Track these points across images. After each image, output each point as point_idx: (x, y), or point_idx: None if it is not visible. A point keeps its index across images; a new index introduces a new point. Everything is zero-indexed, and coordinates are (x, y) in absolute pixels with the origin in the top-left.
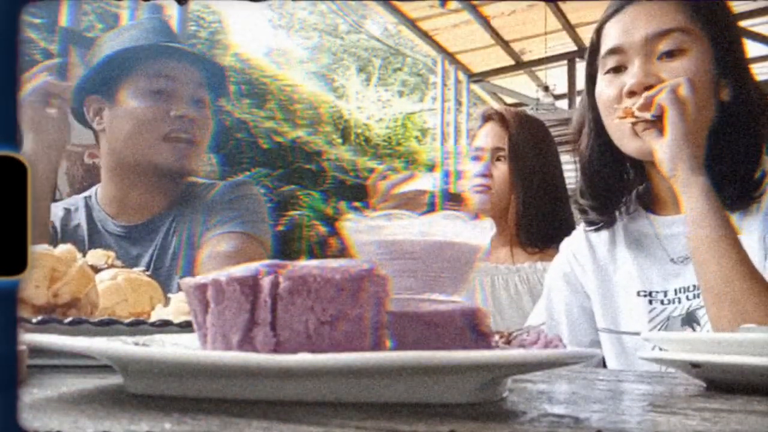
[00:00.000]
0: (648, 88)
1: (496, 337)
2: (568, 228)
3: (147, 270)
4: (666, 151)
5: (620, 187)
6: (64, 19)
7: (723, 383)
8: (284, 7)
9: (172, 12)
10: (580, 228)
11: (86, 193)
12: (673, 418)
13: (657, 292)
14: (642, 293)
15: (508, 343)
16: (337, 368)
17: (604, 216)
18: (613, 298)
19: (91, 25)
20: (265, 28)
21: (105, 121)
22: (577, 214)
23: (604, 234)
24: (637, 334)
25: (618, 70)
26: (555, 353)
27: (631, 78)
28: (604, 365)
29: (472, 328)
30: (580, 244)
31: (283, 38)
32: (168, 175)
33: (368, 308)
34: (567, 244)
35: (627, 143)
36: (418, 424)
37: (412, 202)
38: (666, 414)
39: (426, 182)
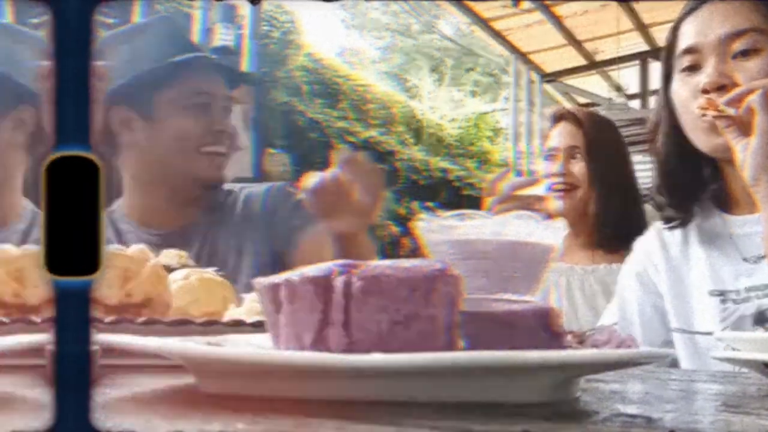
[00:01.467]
0: (721, 88)
1: (569, 337)
2: (642, 229)
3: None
4: (751, 157)
5: (696, 185)
6: (136, 19)
7: None
8: (357, 7)
9: (245, 12)
10: (654, 227)
11: (108, 209)
12: (747, 418)
13: (729, 291)
14: (715, 293)
15: (581, 342)
16: (411, 368)
17: (680, 213)
18: (685, 298)
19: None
20: (338, 28)
21: (137, 134)
22: (651, 213)
23: (677, 233)
24: (710, 334)
25: (693, 69)
26: (627, 353)
27: (705, 77)
28: (677, 365)
29: (544, 328)
30: (653, 244)
31: (356, 38)
32: (206, 187)
33: (441, 308)
34: (640, 244)
35: (702, 139)
36: (492, 424)
37: (531, 207)
38: (739, 414)
39: (547, 189)
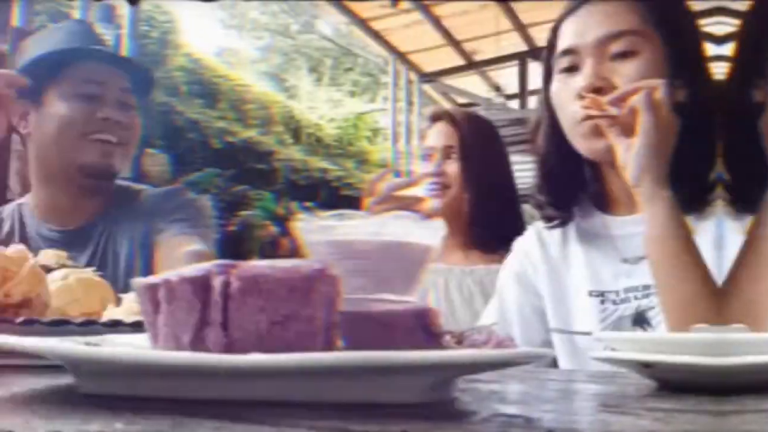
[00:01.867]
0: (598, 90)
1: (448, 337)
2: (519, 229)
3: None
4: (634, 158)
5: (576, 185)
6: (15, 19)
7: (674, 383)
8: (235, 7)
9: (124, 12)
10: (533, 227)
11: (20, 200)
12: (625, 418)
13: (609, 291)
14: (594, 293)
15: (460, 342)
16: (289, 368)
17: (560, 212)
18: (564, 298)
19: (42, 24)
20: (217, 28)
21: (30, 125)
22: (531, 214)
23: (557, 233)
24: (589, 334)
25: (571, 70)
26: (506, 353)
27: (582, 79)
28: (556, 365)
29: (423, 328)
30: (532, 243)
31: (235, 38)
32: (94, 175)
33: (320, 308)
34: (519, 244)
35: (580, 143)
36: (370, 424)
37: (410, 208)
38: (618, 414)
39: (425, 189)
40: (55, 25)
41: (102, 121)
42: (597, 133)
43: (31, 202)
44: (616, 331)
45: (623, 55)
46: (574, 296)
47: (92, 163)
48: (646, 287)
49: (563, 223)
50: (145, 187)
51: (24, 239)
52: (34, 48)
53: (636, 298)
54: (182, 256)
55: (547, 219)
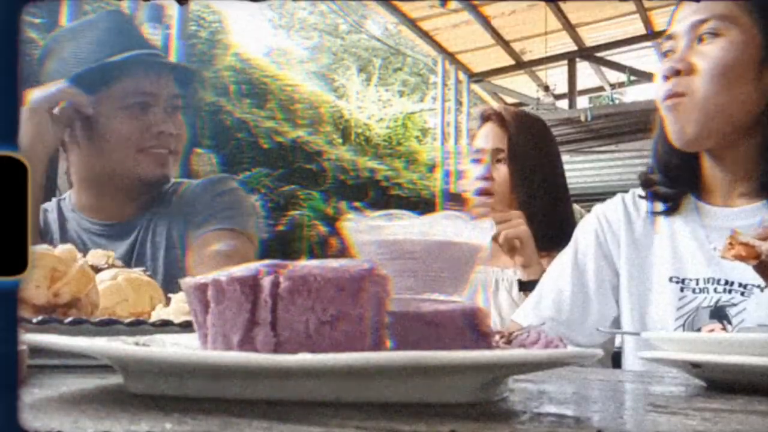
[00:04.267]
0: (677, 72)
1: (497, 337)
2: (569, 229)
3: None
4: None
5: (688, 176)
6: (64, 19)
7: (723, 383)
8: (284, 7)
9: (173, 12)
10: (619, 197)
11: (60, 197)
12: (674, 418)
13: (690, 279)
14: (675, 279)
15: (509, 343)
16: (338, 368)
17: (670, 201)
18: (643, 280)
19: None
20: (266, 28)
21: (78, 132)
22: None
23: (643, 209)
24: (637, 334)
25: (668, 54)
26: (555, 353)
27: (667, 62)
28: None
29: (472, 328)
30: (617, 214)
31: (284, 38)
32: (147, 184)
33: (368, 308)
34: (601, 211)
35: (665, 121)
36: (419, 424)
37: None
38: (666, 414)
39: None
40: (87, 21)
41: (157, 134)
42: (675, 112)
43: (72, 200)
44: (664, 332)
45: (709, 38)
46: (654, 280)
47: (148, 174)
48: (729, 283)
49: (671, 212)
50: (187, 180)
51: (63, 232)
52: (69, 48)
53: (716, 291)
54: (212, 255)
55: (658, 199)
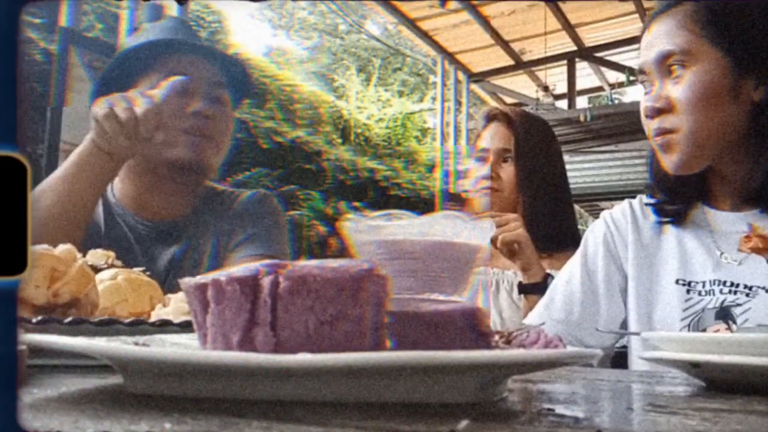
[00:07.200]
0: (660, 111)
1: (496, 337)
2: (571, 230)
3: (169, 270)
4: None
5: (693, 186)
6: (64, 19)
7: (723, 383)
8: (284, 7)
9: (172, 11)
10: (626, 203)
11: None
12: (673, 418)
13: (696, 282)
14: (681, 282)
15: (508, 343)
16: (337, 368)
17: (676, 209)
18: (650, 283)
19: (90, 25)
20: (265, 28)
21: None
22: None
23: (651, 215)
24: (637, 334)
25: (644, 83)
26: (554, 353)
27: (646, 100)
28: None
29: (472, 328)
30: (624, 219)
31: (283, 38)
32: (185, 170)
33: (368, 308)
34: (609, 216)
35: (658, 155)
36: (418, 424)
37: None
38: (666, 414)
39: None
40: (151, 24)
41: (192, 115)
42: (666, 149)
43: (117, 194)
44: (664, 332)
45: (679, 70)
46: (660, 282)
47: (182, 158)
48: (734, 284)
49: (676, 221)
50: (238, 190)
51: (110, 229)
52: (128, 45)
53: (722, 292)
54: None
55: (663, 215)
